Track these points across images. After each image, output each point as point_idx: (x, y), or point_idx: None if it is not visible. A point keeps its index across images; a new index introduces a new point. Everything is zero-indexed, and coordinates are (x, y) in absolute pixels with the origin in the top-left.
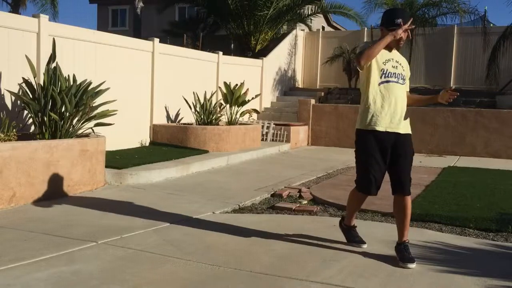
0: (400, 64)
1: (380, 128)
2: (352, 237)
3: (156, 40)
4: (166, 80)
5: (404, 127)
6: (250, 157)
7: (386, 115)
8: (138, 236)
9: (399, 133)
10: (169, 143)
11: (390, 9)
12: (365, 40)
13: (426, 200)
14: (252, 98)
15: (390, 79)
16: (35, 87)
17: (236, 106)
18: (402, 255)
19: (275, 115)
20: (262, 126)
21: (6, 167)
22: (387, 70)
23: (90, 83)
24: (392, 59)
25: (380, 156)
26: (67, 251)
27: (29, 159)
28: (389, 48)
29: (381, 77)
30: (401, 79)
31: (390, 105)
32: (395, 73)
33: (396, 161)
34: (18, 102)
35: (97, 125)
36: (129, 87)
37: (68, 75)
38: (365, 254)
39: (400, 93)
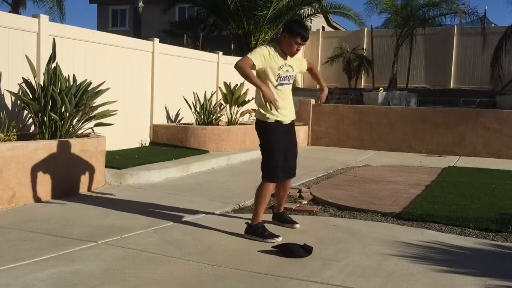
0: (291, 66)
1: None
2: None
3: (156, 40)
4: (166, 80)
5: (293, 116)
6: (250, 157)
7: (284, 110)
8: (138, 236)
9: (292, 122)
10: (169, 143)
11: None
12: (365, 41)
13: (426, 200)
14: (252, 98)
15: (283, 82)
16: (35, 87)
17: (236, 106)
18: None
19: None
20: None
21: (6, 167)
22: (281, 75)
23: (90, 83)
24: (285, 64)
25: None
26: (67, 251)
27: (29, 159)
28: (284, 55)
29: (277, 80)
30: (291, 79)
31: (284, 102)
32: (287, 75)
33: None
34: (18, 102)
35: (97, 125)
36: (129, 87)
37: (68, 75)
38: (365, 254)
39: (289, 90)
